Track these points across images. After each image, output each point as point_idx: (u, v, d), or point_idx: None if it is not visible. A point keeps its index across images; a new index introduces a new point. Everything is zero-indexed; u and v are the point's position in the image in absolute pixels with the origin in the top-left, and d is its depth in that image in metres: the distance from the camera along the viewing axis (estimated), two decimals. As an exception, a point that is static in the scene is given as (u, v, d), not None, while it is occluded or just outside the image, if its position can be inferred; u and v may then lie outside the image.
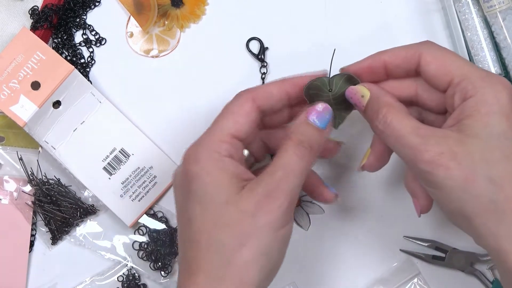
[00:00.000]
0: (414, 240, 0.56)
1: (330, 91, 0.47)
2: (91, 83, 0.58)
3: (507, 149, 0.39)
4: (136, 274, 0.57)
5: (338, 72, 0.47)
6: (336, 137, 0.52)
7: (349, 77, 0.46)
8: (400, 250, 0.56)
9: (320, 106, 0.44)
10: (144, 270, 0.57)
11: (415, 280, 0.56)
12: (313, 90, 0.47)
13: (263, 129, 0.49)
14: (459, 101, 0.42)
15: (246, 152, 0.47)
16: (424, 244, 0.55)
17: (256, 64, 0.58)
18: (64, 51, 0.59)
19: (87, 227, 0.58)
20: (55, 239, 0.57)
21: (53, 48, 0.59)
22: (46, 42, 0.58)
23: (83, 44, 0.59)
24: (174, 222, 0.57)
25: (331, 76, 0.47)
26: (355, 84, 0.47)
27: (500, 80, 0.41)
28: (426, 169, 0.40)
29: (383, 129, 0.43)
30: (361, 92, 0.45)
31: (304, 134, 0.43)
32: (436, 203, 0.44)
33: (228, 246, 0.40)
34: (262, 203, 0.40)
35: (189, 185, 0.42)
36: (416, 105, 0.48)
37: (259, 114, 0.45)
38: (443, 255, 0.55)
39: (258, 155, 0.49)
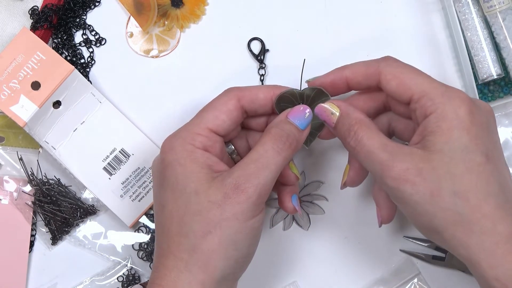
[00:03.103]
0: (414, 240, 0.56)
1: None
2: (91, 83, 0.58)
3: (470, 162, 0.40)
4: (136, 274, 0.57)
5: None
6: (299, 169, 0.52)
7: (320, 90, 0.47)
8: (400, 250, 0.56)
9: (301, 108, 0.46)
10: (144, 270, 0.57)
11: (415, 280, 0.56)
12: (284, 102, 0.47)
13: (247, 129, 0.50)
14: (421, 118, 0.43)
15: (230, 147, 0.49)
16: (424, 244, 0.56)
17: (256, 65, 0.58)
18: (64, 51, 0.59)
19: (87, 227, 0.58)
20: (55, 239, 0.57)
21: (53, 48, 0.59)
22: (46, 42, 0.58)
23: (83, 44, 0.59)
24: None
25: (302, 89, 0.47)
26: (325, 98, 0.47)
27: (459, 95, 0.42)
28: (393, 185, 0.41)
29: (355, 146, 0.44)
30: (331, 109, 0.46)
31: (284, 129, 0.44)
32: (407, 219, 0.44)
33: (196, 233, 0.41)
34: (230, 195, 0.41)
35: (164, 172, 0.44)
36: (388, 110, 0.49)
37: (242, 114, 0.47)
38: (443, 255, 0.55)
39: (243, 152, 0.50)
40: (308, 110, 0.46)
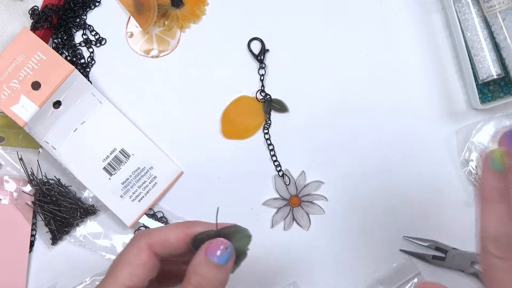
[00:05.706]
0: (414, 240, 0.56)
1: None
2: (91, 83, 0.58)
3: None
4: (136, 274, 0.57)
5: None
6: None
7: (236, 227, 0.41)
8: (400, 250, 0.56)
9: (219, 242, 0.40)
10: (144, 270, 0.57)
11: (415, 280, 0.56)
12: (200, 243, 0.41)
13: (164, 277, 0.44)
14: None
15: None
16: (424, 244, 0.56)
17: (256, 65, 0.58)
18: (64, 51, 0.59)
19: (87, 227, 0.58)
20: (55, 239, 0.57)
21: (53, 48, 0.59)
22: (46, 42, 0.58)
23: (83, 44, 0.59)
24: (174, 222, 0.57)
25: (218, 229, 0.42)
26: (243, 234, 0.41)
27: None
28: None
29: None
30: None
31: (204, 276, 0.39)
32: None
33: None
34: None
35: None
36: None
37: (157, 261, 0.41)
38: (443, 255, 0.55)
39: None
40: (228, 244, 0.40)
